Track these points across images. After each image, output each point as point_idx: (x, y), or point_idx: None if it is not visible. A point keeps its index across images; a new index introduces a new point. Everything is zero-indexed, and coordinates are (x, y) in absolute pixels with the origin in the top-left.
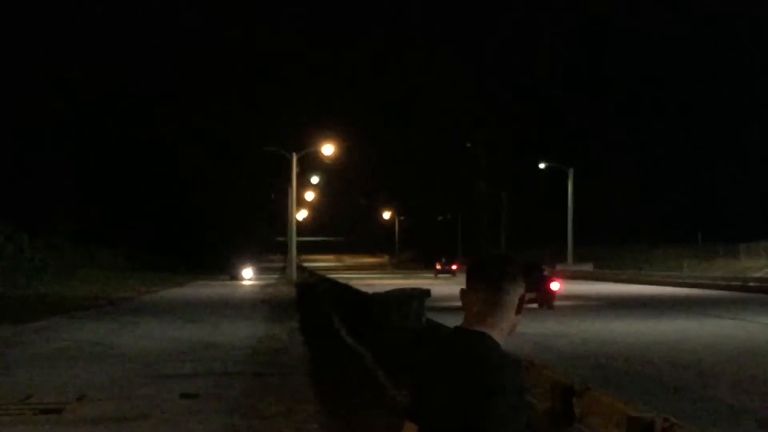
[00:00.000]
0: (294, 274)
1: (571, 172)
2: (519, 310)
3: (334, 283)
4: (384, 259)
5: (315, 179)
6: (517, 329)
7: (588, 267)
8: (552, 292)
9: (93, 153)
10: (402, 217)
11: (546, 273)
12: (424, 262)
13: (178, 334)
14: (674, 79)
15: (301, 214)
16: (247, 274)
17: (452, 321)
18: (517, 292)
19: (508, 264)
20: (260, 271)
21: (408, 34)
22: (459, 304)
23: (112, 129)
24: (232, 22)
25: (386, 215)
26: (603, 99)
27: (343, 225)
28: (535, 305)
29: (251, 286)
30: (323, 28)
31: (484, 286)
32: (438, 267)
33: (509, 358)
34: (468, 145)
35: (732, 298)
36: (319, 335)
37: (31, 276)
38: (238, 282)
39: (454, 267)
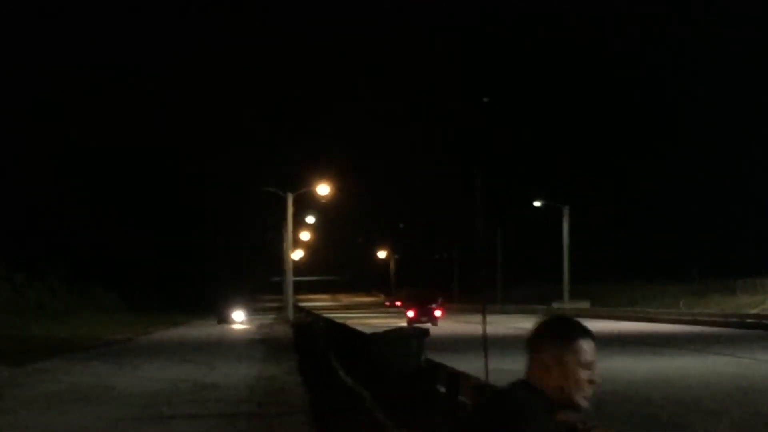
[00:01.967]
0: (290, 313)
1: (566, 210)
2: (559, 374)
3: (331, 323)
4: (380, 298)
5: (311, 219)
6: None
7: (584, 304)
8: (435, 317)
9: (89, 193)
10: (397, 256)
11: (435, 305)
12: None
13: (176, 374)
14: (670, 115)
15: (297, 254)
16: (238, 316)
17: (452, 361)
18: (546, 350)
19: (541, 326)
20: (254, 312)
21: (403, 74)
22: (459, 342)
23: (107, 170)
24: (225, 61)
25: (382, 254)
26: (598, 136)
27: (338, 264)
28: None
29: (247, 327)
30: (318, 70)
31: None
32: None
33: (530, 408)
34: (485, 99)
35: (729, 334)
36: (317, 375)
37: (28, 317)
38: (226, 326)
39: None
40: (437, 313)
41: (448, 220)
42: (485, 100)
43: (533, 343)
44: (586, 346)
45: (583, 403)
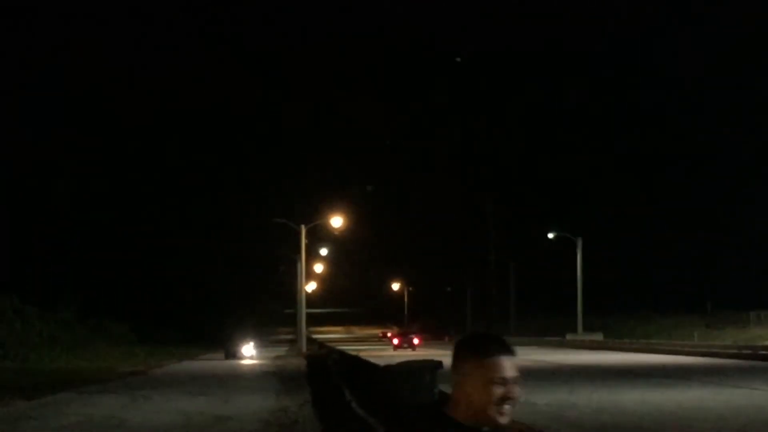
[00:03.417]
0: (304, 345)
1: (579, 242)
2: (469, 391)
3: (344, 355)
4: (393, 330)
5: (324, 251)
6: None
7: (598, 336)
8: (413, 344)
9: (101, 227)
10: (411, 288)
11: (413, 335)
12: (434, 333)
13: (189, 407)
14: (684, 147)
15: (310, 286)
16: (247, 351)
17: None
18: (460, 369)
19: (458, 344)
20: (265, 345)
21: (419, 104)
22: None
23: (118, 204)
24: (238, 93)
25: (395, 286)
26: (612, 169)
27: (352, 296)
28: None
29: (262, 358)
30: (333, 101)
31: None
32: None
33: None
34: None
35: (743, 366)
36: (330, 407)
37: (40, 350)
38: (235, 361)
39: (416, 341)
40: (415, 341)
41: (461, 253)
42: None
43: (452, 362)
44: (500, 362)
45: (500, 419)
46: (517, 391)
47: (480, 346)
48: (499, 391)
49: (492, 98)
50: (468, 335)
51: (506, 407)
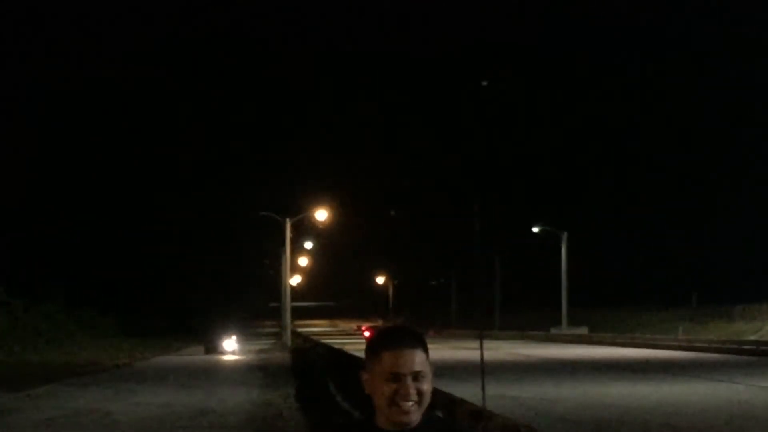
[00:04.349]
0: (288, 339)
1: (564, 236)
2: (371, 389)
3: (329, 348)
4: (378, 323)
5: (309, 244)
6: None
7: (583, 330)
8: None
9: (86, 221)
10: (396, 281)
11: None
12: (419, 326)
13: (173, 400)
14: (666, 139)
15: (295, 279)
16: (229, 345)
17: (450, 386)
18: (365, 366)
19: (367, 341)
20: (248, 339)
21: (403, 99)
22: (457, 367)
23: (103, 197)
24: (223, 87)
25: (380, 279)
26: (596, 163)
27: (337, 290)
28: None
29: (246, 351)
30: (318, 95)
31: None
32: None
33: None
34: (483, 83)
35: (728, 361)
36: (314, 401)
37: (26, 343)
38: (215, 356)
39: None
40: (366, 333)
41: (447, 246)
42: (484, 83)
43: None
44: (395, 356)
45: (403, 418)
46: (414, 387)
47: (378, 340)
48: (391, 387)
49: (477, 95)
50: (376, 331)
51: (407, 404)
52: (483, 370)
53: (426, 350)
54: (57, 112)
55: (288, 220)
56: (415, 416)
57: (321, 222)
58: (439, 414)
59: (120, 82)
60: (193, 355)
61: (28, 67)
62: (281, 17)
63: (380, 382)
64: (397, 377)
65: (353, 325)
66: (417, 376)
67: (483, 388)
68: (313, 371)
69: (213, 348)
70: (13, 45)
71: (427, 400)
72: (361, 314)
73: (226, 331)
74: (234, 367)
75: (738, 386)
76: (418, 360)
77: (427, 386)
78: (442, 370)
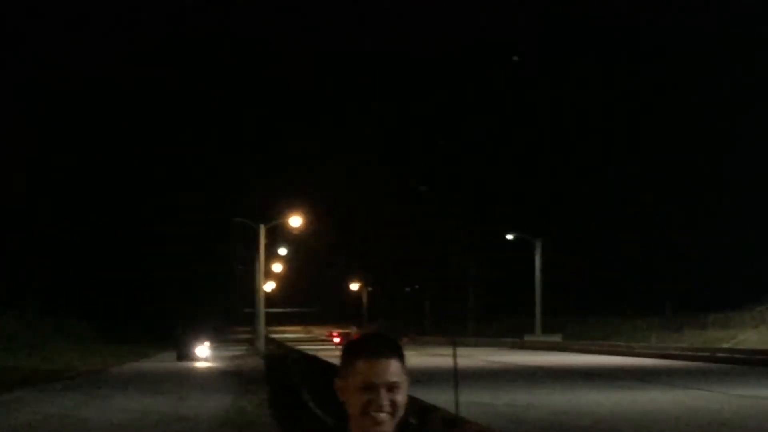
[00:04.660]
0: (262, 345)
1: (538, 244)
2: (345, 397)
3: (303, 355)
4: (352, 330)
5: (283, 251)
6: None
7: (557, 338)
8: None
9: (59, 225)
10: (370, 288)
11: (353, 334)
12: (392, 333)
13: (146, 406)
14: (641, 150)
15: (269, 286)
16: (202, 352)
17: (423, 393)
18: (340, 374)
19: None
20: (222, 345)
21: (375, 104)
22: (430, 374)
23: (76, 201)
24: (200, 90)
25: (354, 286)
26: (571, 170)
27: (311, 296)
28: None
29: (219, 357)
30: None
31: None
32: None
33: None
34: (515, 58)
35: (701, 369)
36: (288, 408)
37: (1, 348)
38: (188, 362)
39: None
40: (335, 339)
41: (421, 253)
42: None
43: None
44: (369, 365)
45: (375, 428)
46: (388, 398)
47: (353, 348)
48: (365, 397)
49: (453, 100)
50: (350, 340)
51: (381, 416)
52: (456, 378)
53: (402, 360)
54: (34, 111)
55: (262, 226)
56: (389, 427)
57: (295, 228)
58: (413, 422)
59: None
60: (165, 362)
61: (28, 67)
62: (281, 17)
63: (354, 391)
64: (371, 387)
65: (326, 332)
66: (392, 387)
67: (456, 396)
68: (286, 378)
69: (185, 354)
70: (13, 45)
71: (401, 411)
72: (335, 321)
73: (199, 337)
74: (208, 374)
75: (711, 394)
76: (393, 370)
77: (401, 397)
78: (416, 376)
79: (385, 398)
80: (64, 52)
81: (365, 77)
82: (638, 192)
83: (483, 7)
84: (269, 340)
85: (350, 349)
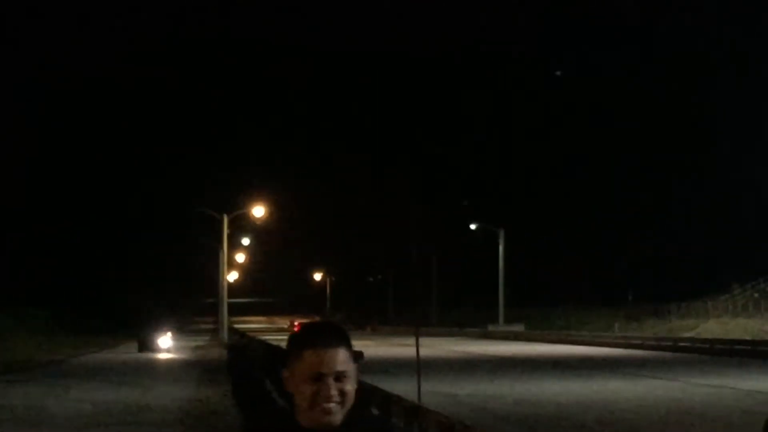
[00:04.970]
0: (225, 335)
1: (501, 234)
2: (292, 387)
3: (266, 345)
4: (315, 319)
5: (246, 241)
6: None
7: (520, 328)
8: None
9: (19, 214)
10: (333, 278)
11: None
12: (356, 323)
13: (109, 397)
14: (604, 140)
15: (232, 276)
16: (164, 342)
17: (386, 383)
18: (287, 364)
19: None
20: (185, 335)
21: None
22: (393, 364)
23: (37, 190)
24: (165, 80)
25: (317, 276)
26: (534, 161)
27: (274, 286)
28: None
29: (182, 348)
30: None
31: None
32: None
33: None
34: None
35: (663, 358)
36: (251, 398)
37: None
38: (150, 354)
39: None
40: (296, 328)
41: (384, 243)
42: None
43: None
44: (316, 355)
45: (326, 418)
46: (336, 388)
47: (299, 338)
48: (313, 387)
49: (414, 92)
50: (300, 329)
51: (329, 406)
52: (419, 367)
53: (350, 348)
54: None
55: (225, 216)
56: (338, 417)
57: (258, 218)
58: (374, 411)
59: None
60: (128, 353)
61: (28, 67)
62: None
63: (301, 381)
64: (318, 377)
65: (289, 321)
66: (340, 377)
67: (419, 385)
68: (249, 368)
69: (147, 345)
70: (13, 45)
71: (350, 400)
72: (299, 311)
73: (161, 327)
74: (170, 364)
75: (673, 383)
76: (341, 359)
77: (350, 386)
78: (379, 366)
79: (333, 388)
80: (64, 52)
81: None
82: (602, 184)
83: (482, 7)
84: (232, 331)
85: (297, 339)
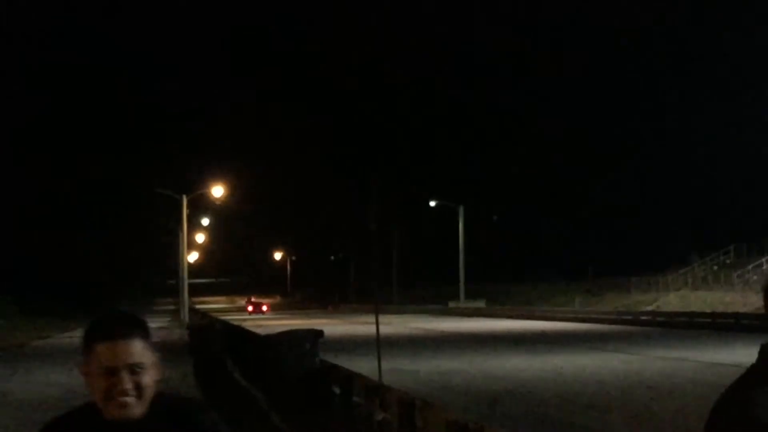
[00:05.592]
0: (186, 316)
1: (461, 210)
2: (89, 382)
3: (227, 325)
4: (276, 299)
5: (205, 221)
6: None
7: (480, 304)
8: (262, 311)
9: None
10: (294, 257)
11: (263, 304)
12: (317, 302)
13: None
14: (567, 118)
15: (192, 256)
16: None
17: (347, 361)
18: (84, 360)
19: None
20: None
21: (297, 69)
22: (354, 342)
23: None
24: (122, 63)
25: (278, 256)
26: (491, 137)
27: (235, 266)
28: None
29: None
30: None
31: None
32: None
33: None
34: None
35: (623, 332)
36: (211, 378)
37: None
38: None
39: (264, 308)
40: (264, 308)
41: (344, 221)
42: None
43: None
44: (105, 349)
45: (122, 412)
46: (131, 381)
47: (90, 331)
48: (106, 381)
49: (375, 68)
50: (95, 318)
51: (126, 400)
52: (379, 344)
53: (146, 338)
54: None
55: (185, 196)
56: (136, 411)
57: (218, 198)
58: (187, 397)
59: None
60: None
61: None
62: None
63: (96, 375)
64: (111, 371)
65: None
66: (134, 369)
67: (379, 363)
68: (210, 348)
69: None
70: None
71: (149, 392)
72: (260, 291)
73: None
74: None
75: (634, 357)
76: (134, 351)
77: (148, 378)
78: (340, 345)
79: (128, 381)
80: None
81: (286, 38)
82: (562, 158)
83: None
84: (193, 311)
85: (88, 332)
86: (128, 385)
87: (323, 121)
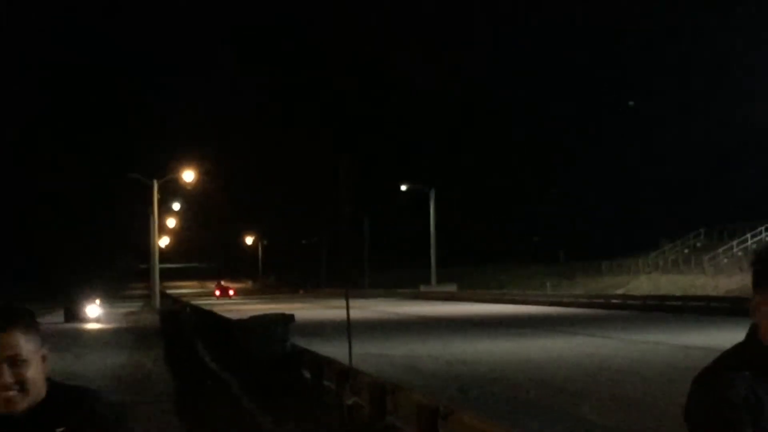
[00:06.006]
0: (157, 301)
1: (432, 193)
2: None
3: (199, 310)
4: (248, 284)
5: (176, 206)
6: None
7: (452, 288)
8: (229, 295)
9: None
10: (265, 242)
11: (230, 288)
12: (289, 286)
13: None
14: (542, 99)
15: (164, 241)
16: (93, 312)
17: (318, 346)
18: None
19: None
20: (117, 302)
21: (272, 54)
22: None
23: None
24: (95, 49)
25: (249, 240)
26: (463, 120)
27: (206, 251)
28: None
29: (114, 315)
30: (181, 53)
31: None
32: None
33: None
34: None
35: (595, 315)
36: (183, 362)
37: None
38: (77, 324)
39: (231, 292)
40: (231, 292)
41: (316, 205)
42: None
43: None
44: None
45: (4, 408)
46: (12, 375)
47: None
48: None
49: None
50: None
51: (8, 394)
52: (349, 329)
53: (30, 330)
54: None
55: (155, 181)
56: (20, 405)
57: (188, 183)
58: (84, 386)
59: None
60: (54, 323)
61: None
62: None
63: None
64: None
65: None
66: (14, 362)
67: (350, 347)
68: (182, 332)
69: (74, 314)
70: None
71: (34, 386)
72: (232, 275)
73: (90, 295)
74: (103, 330)
75: (605, 340)
76: (14, 343)
77: (32, 371)
78: (311, 329)
79: (8, 375)
80: None
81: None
82: (529, 143)
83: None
84: (165, 296)
85: None
86: (9, 379)
87: (292, 104)
